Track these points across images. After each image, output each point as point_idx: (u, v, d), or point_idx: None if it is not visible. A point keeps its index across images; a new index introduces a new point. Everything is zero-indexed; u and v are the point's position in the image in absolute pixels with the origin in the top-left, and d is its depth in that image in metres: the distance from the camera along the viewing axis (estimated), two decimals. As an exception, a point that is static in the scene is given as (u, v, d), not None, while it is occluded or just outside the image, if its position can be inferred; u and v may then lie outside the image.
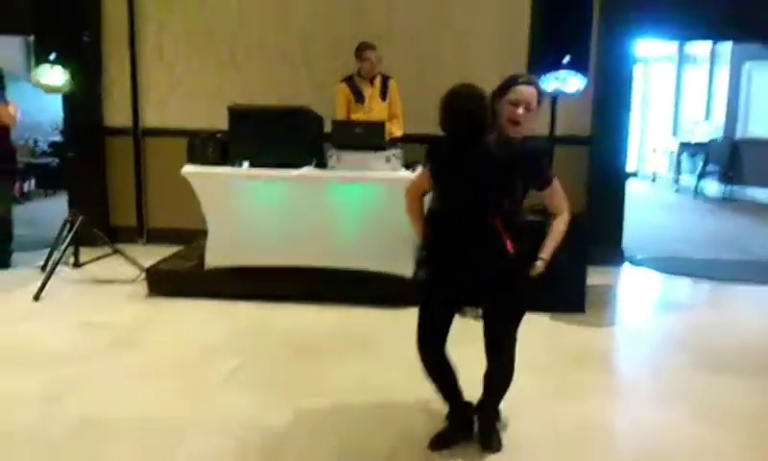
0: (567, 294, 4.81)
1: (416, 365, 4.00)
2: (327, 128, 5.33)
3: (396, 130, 5.96)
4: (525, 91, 2.73)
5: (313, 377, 3.81)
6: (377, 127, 5.07)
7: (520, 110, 2.71)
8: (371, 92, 5.89)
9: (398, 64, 6.17)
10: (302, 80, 6.58)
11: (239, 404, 3.42)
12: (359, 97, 5.87)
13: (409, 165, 5.03)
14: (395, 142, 5.85)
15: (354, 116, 5.83)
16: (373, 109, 5.89)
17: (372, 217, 5.01)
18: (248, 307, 4.93)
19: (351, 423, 3.26)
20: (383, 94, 5.92)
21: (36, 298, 5.07)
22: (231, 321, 4.71)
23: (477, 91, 2.73)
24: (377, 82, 5.91)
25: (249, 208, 5.12)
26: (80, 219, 5.53)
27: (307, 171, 4.98)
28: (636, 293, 5.94)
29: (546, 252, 2.80)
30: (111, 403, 3.42)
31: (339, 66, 6.32)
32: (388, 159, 4.89)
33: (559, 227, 2.86)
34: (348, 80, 5.91)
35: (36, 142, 10.84)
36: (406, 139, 5.76)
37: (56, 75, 5.41)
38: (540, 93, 2.82)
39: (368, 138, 4.92)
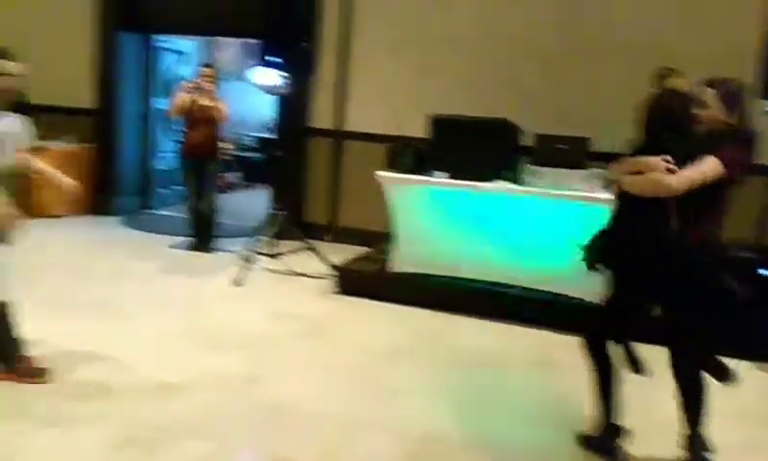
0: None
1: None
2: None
3: None
4: None
5: (488, 392, 3.76)
6: (581, 143, 4.88)
7: None
8: None
9: (613, 82, 5.91)
10: (504, 91, 6.41)
11: (415, 411, 3.45)
12: None
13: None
14: None
15: None
16: None
17: (563, 238, 4.83)
18: (430, 316, 4.96)
19: (526, 438, 3.18)
20: None
21: (237, 283, 5.43)
22: (413, 327, 4.76)
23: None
24: None
25: (439, 218, 5.15)
26: (284, 214, 5.88)
27: (501, 185, 4.91)
28: None
29: None
30: (297, 391, 3.59)
31: (544, 81, 6.18)
32: (588, 179, 4.69)
33: None
34: None
35: (241, 137, 11.64)
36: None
37: (273, 77, 5.75)
38: None
39: (569, 155, 4.75)
